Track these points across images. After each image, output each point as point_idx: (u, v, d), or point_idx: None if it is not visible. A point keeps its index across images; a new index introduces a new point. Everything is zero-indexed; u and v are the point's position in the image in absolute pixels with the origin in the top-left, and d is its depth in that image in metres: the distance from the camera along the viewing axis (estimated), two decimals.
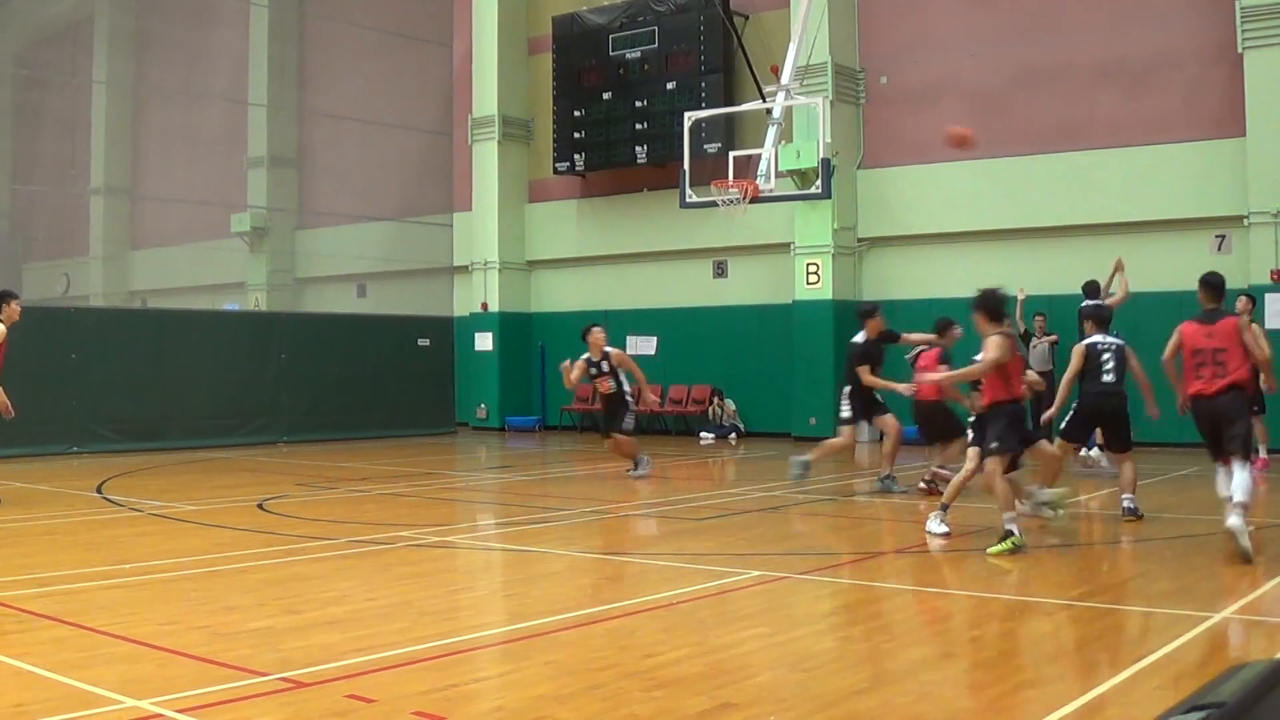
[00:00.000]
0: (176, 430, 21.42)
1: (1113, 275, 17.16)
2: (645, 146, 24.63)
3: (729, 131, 23.02)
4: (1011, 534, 9.45)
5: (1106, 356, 11.76)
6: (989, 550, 9.40)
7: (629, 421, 16.16)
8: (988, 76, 21.60)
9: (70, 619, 7.23)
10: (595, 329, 16.26)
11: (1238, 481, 9.10)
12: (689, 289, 24.97)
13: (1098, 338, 11.92)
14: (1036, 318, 19.62)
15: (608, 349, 16.05)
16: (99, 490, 14.69)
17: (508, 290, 27.04)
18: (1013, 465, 10.53)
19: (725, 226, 21.87)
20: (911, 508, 12.68)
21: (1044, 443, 11.63)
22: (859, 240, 22.97)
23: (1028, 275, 20.83)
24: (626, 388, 16.16)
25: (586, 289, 26.60)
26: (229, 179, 30.65)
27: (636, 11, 24.98)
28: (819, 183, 19.39)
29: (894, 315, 22.07)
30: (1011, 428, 10.09)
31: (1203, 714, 1.91)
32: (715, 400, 24.13)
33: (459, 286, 27.63)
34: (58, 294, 31.39)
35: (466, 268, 27.37)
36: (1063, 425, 12.18)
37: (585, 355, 15.99)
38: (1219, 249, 19.41)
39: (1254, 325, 15.85)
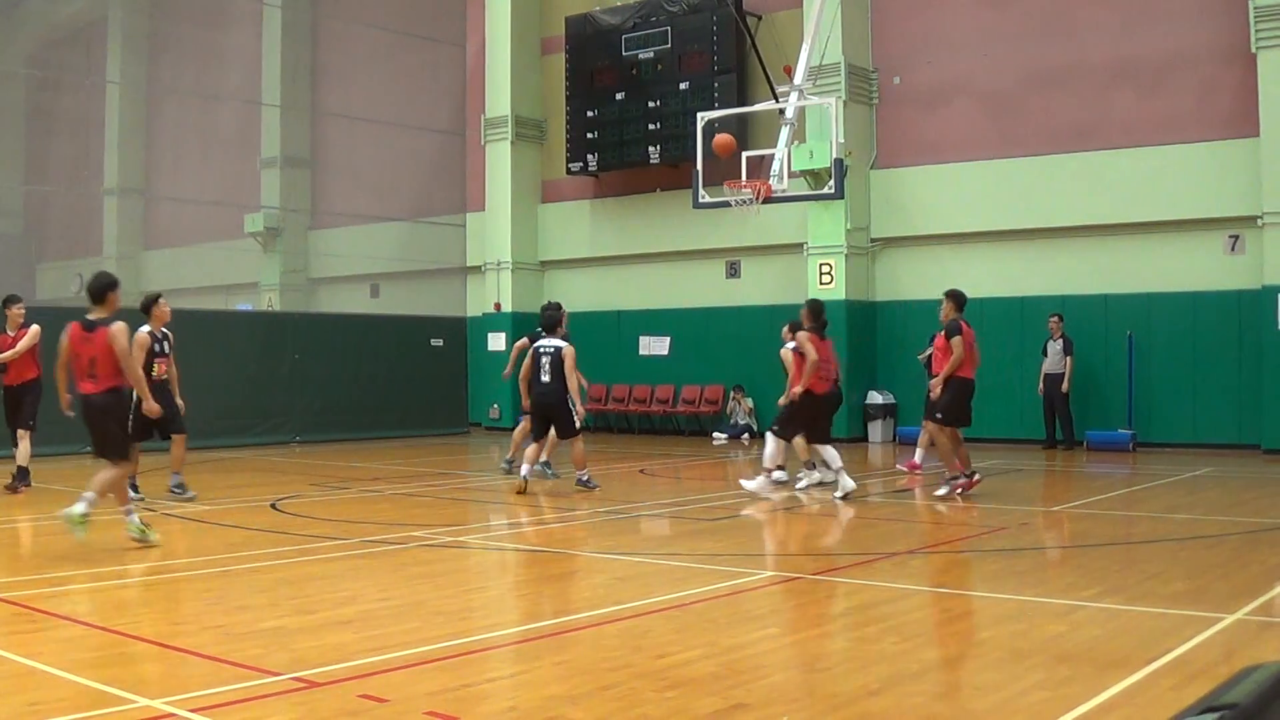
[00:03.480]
0: (189, 430, 21.33)
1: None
2: (658, 147, 24.62)
3: (742, 132, 22.92)
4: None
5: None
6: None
7: None
8: (1001, 77, 21.55)
9: (83, 618, 7.25)
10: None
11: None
12: (702, 289, 24.95)
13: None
14: (1051, 318, 19.87)
15: None
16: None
17: (521, 290, 27.02)
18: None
19: (738, 227, 21.86)
20: (924, 509, 12.65)
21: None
22: (872, 240, 22.94)
23: (1041, 275, 20.84)
24: None
25: (599, 289, 26.60)
26: (242, 179, 30.72)
27: (649, 12, 24.96)
28: (832, 183, 19.35)
29: (908, 315, 22.19)
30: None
31: (1216, 715, 1.91)
32: (734, 395, 23.95)
33: (472, 287, 27.65)
34: (71, 294, 31.47)
35: (480, 268, 27.40)
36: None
37: None
38: (1232, 249, 19.36)
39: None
